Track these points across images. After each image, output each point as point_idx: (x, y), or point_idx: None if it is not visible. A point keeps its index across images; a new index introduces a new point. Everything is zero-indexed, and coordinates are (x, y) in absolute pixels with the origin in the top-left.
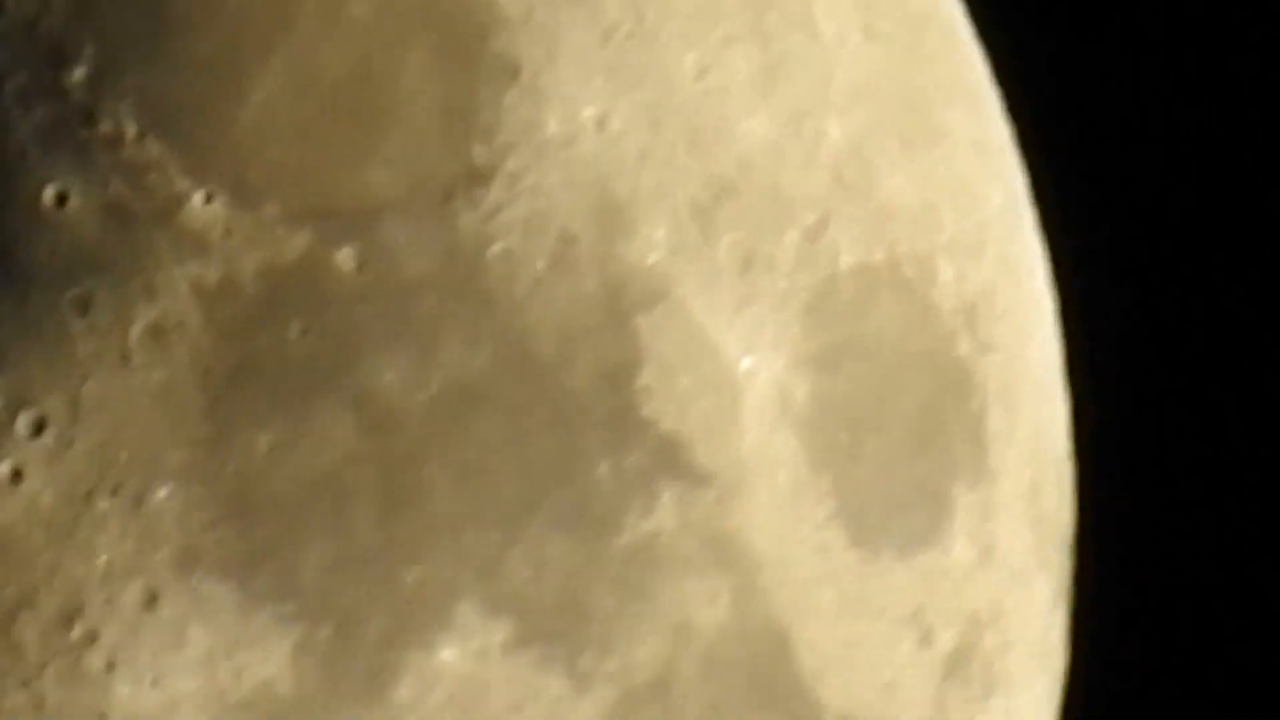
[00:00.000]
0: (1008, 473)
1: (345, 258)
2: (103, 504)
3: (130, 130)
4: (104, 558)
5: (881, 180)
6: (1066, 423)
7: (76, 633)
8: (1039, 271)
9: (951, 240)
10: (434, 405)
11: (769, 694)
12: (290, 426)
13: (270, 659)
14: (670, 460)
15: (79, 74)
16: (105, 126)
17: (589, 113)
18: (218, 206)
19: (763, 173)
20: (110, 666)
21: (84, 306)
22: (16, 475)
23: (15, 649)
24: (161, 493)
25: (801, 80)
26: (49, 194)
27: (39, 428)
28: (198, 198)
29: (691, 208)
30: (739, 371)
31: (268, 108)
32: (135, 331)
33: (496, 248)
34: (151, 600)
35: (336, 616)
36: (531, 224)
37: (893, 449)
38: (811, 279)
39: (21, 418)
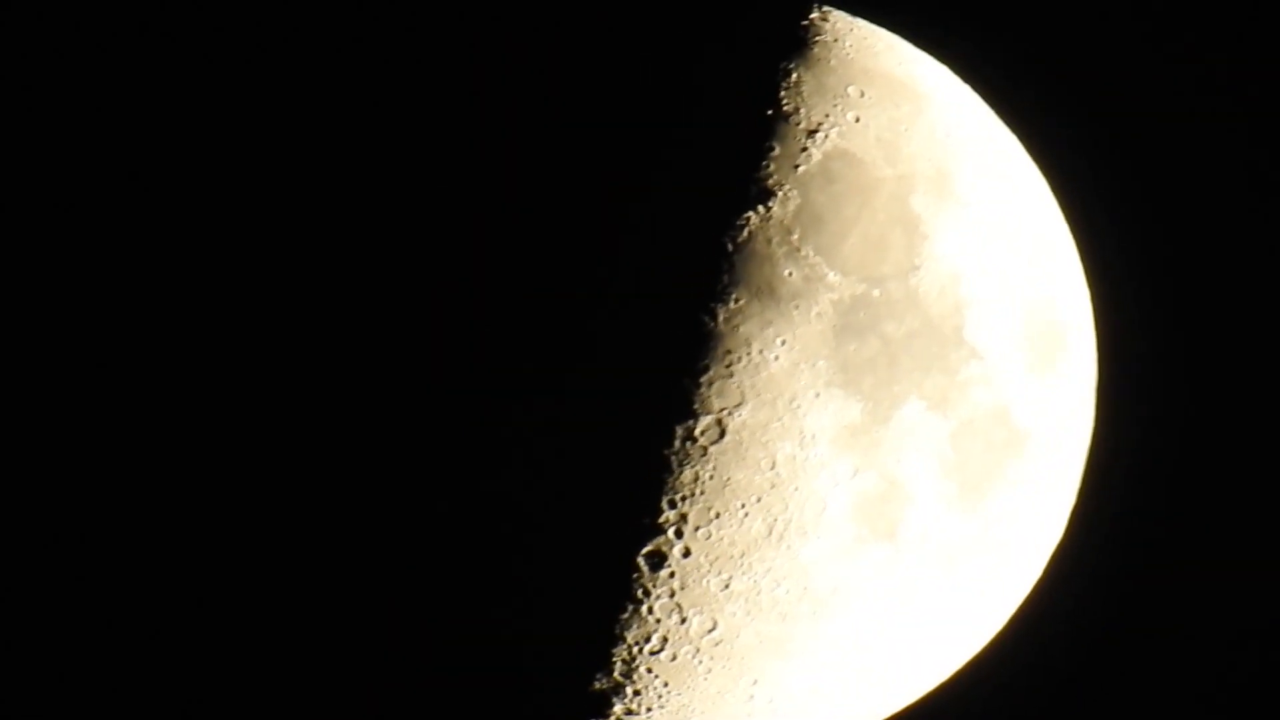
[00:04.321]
0: None
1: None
2: None
3: (811, 251)
4: None
5: None
6: None
7: None
8: None
9: None
10: None
11: None
12: None
13: None
14: None
15: (796, 235)
16: (803, 251)
17: None
18: (834, 277)
19: None
20: None
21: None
22: None
23: None
24: None
25: None
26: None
27: None
28: (831, 274)
29: None
30: None
31: (858, 241)
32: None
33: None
34: None
35: None
36: None
37: None
38: None
39: None
